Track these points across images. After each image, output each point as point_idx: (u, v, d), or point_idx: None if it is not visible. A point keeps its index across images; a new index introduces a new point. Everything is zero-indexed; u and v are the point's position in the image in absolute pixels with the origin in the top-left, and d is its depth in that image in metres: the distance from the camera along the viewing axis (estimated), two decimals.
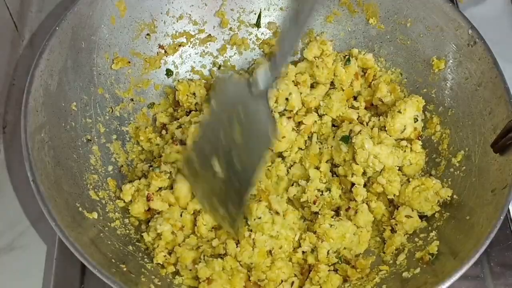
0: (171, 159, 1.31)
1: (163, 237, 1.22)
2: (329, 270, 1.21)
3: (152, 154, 1.38)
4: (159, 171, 1.29)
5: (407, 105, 1.31)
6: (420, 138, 1.33)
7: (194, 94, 1.43)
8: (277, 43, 1.27)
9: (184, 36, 1.46)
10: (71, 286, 1.24)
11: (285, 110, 1.35)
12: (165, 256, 1.21)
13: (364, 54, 1.42)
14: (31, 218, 1.35)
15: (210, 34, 1.48)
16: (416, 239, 1.23)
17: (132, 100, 1.40)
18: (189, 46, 1.47)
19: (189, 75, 1.48)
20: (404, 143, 1.31)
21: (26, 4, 1.56)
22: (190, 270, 1.20)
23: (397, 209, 1.27)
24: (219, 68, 1.49)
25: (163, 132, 1.39)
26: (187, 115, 1.40)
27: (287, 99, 1.35)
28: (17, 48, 1.53)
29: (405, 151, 1.30)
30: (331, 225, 1.22)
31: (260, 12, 1.48)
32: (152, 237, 1.23)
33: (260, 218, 1.22)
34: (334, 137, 1.34)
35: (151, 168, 1.32)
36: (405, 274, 1.17)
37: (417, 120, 1.33)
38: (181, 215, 1.25)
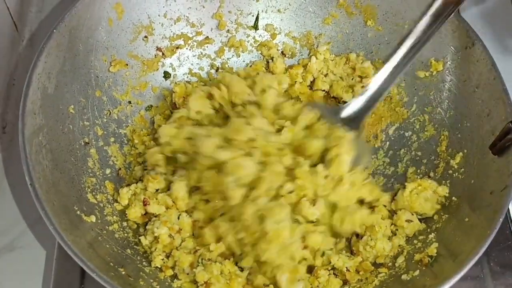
0: (154, 162, 1.31)
1: (161, 240, 1.21)
2: (329, 274, 1.21)
3: None
4: (155, 173, 1.29)
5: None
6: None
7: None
8: (373, 81, 1.35)
9: (182, 39, 1.45)
10: (71, 287, 1.23)
11: None
12: (163, 259, 1.21)
13: (362, 63, 1.42)
14: (30, 218, 1.34)
15: (207, 36, 1.47)
16: (415, 241, 1.23)
17: (129, 102, 1.40)
18: (186, 49, 1.47)
19: (187, 77, 1.47)
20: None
21: (26, 4, 1.56)
22: (188, 273, 1.20)
23: (395, 214, 1.27)
24: (216, 70, 1.49)
25: (156, 135, 1.38)
26: None
27: None
28: (17, 48, 1.53)
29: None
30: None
31: (258, 14, 1.48)
32: (150, 240, 1.23)
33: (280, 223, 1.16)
34: None
35: (145, 171, 1.32)
36: (404, 277, 1.17)
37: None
38: (178, 218, 1.25)
